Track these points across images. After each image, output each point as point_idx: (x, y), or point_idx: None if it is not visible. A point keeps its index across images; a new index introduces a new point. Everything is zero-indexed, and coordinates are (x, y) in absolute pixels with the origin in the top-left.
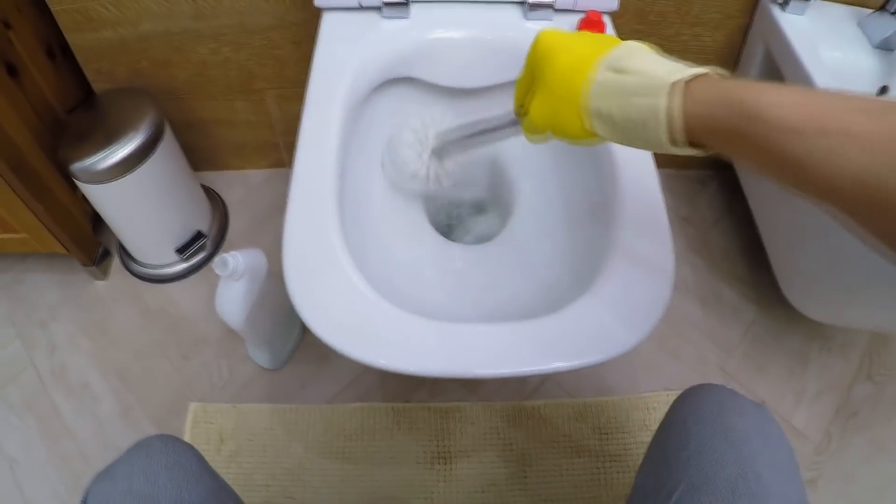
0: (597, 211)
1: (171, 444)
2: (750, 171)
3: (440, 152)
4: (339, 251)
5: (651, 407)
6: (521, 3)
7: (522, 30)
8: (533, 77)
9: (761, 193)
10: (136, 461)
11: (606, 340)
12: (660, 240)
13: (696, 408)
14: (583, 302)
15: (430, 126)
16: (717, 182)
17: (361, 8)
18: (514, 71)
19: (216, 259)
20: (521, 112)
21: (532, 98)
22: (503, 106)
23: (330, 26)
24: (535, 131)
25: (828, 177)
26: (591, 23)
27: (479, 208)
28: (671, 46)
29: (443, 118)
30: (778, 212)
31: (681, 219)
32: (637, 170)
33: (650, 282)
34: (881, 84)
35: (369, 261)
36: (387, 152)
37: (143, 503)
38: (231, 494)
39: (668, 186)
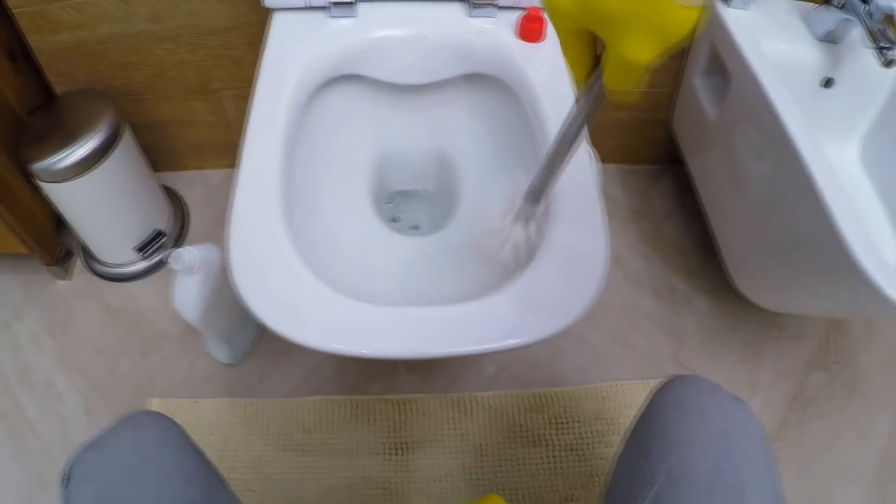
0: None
1: (159, 419)
2: None
3: (535, 195)
4: (284, 243)
5: (604, 397)
6: (465, 0)
7: (466, 26)
8: (585, 24)
9: (711, 187)
10: (124, 434)
11: (549, 316)
12: (592, 224)
13: (676, 399)
14: (523, 281)
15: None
16: (669, 176)
17: (310, 8)
18: (458, 66)
19: (171, 253)
20: (601, 66)
21: (611, 28)
22: (450, 101)
23: (279, 26)
24: (638, 58)
25: None
26: (532, 19)
27: (426, 200)
28: None
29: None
30: (726, 204)
31: (633, 212)
32: (575, 165)
33: (586, 262)
34: (825, 76)
35: (318, 253)
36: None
37: (132, 475)
38: (215, 471)
39: (620, 181)
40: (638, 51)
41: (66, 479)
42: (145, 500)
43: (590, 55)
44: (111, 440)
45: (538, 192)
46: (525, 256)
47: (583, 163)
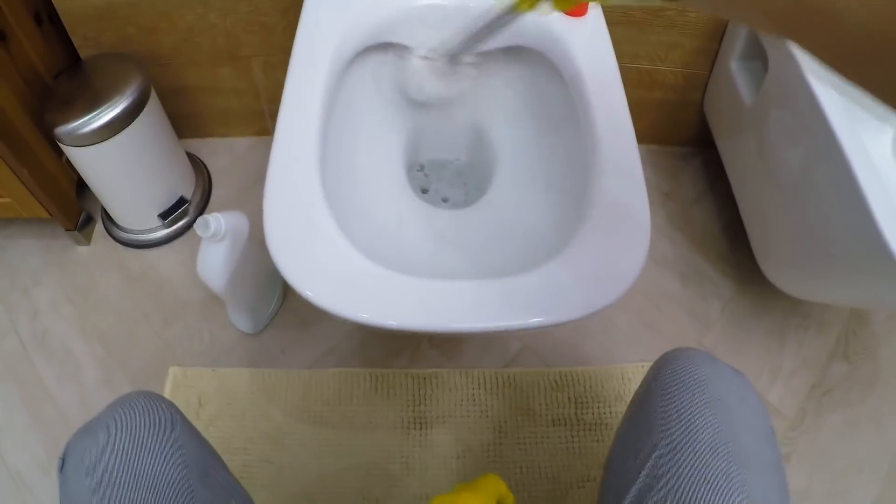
0: (576, 175)
1: (155, 401)
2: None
3: (454, 57)
4: (320, 210)
5: (627, 378)
6: None
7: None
8: None
9: (742, 171)
10: (119, 417)
11: (582, 298)
12: (636, 200)
13: (676, 370)
14: (559, 261)
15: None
16: (700, 159)
17: None
18: (499, 38)
19: (198, 220)
20: None
21: None
22: (489, 74)
23: None
24: None
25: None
26: None
27: (458, 171)
28: (657, 21)
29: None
30: (757, 188)
31: (663, 194)
32: (618, 139)
33: (628, 241)
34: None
35: (351, 222)
36: (404, 69)
37: (126, 458)
38: (213, 453)
39: (650, 162)
40: None
41: (62, 463)
42: (141, 484)
43: None
44: (106, 423)
45: (455, 56)
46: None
47: (629, 137)
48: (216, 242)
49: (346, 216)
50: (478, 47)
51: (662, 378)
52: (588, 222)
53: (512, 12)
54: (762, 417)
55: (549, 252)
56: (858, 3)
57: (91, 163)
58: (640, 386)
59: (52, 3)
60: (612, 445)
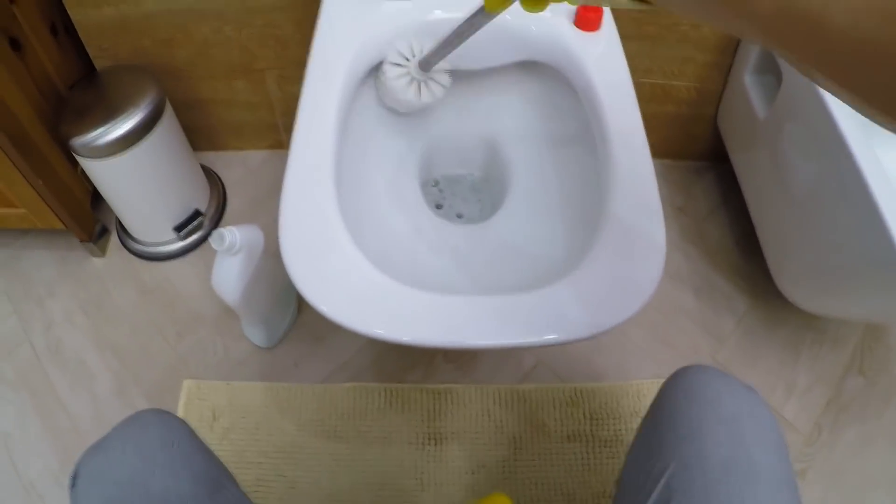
0: (590, 191)
1: (165, 419)
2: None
3: (426, 64)
4: (336, 224)
5: (642, 394)
6: None
7: (523, 13)
8: None
9: (756, 185)
10: (129, 435)
11: (595, 316)
12: (651, 219)
13: (687, 388)
14: (573, 278)
15: (416, 49)
16: (713, 173)
17: None
18: (513, 53)
19: (213, 233)
20: None
21: None
22: (503, 89)
23: (331, 6)
24: None
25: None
26: (589, 7)
27: (472, 186)
28: (671, 35)
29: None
30: (772, 203)
31: (676, 209)
32: (632, 156)
33: (642, 260)
34: None
35: (366, 236)
36: (378, 77)
37: (136, 476)
38: (223, 470)
39: (663, 176)
40: None
41: (73, 482)
42: (151, 501)
43: None
44: (116, 441)
45: (429, 63)
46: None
47: (644, 152)
48: (231, 256)
49: (362, 230)
50: (449, 53)
51: (674, 395)
52: (602, 240)
53: (482, 14)
54: (775, 433)
55: (563, 269)
56: (845, 8)
57: (106, 175)
58: (653, 403)
59: (67, 14)
60: (625, 462)
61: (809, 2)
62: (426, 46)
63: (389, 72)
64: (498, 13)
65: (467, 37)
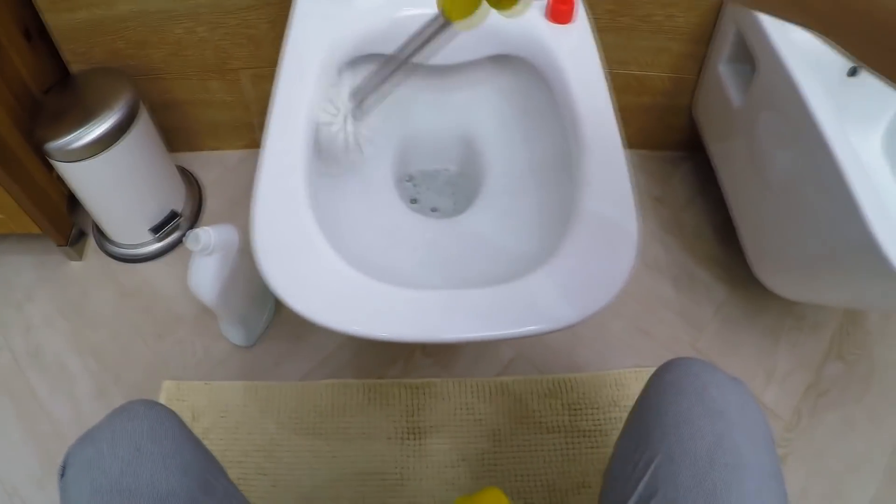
0: (563, 182)
1: (155, 409)
2: None
3: (357, 110)
4: (309, 223)
5: (622, 384)
6: None
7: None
8: None
9: (733, 174)
10: (119, 425)
11: (572, 305)
12: (624, 209)
13: (674, 380)
14: (548, 269)
15: (342, 92)
16: (690, 163)
17: None
18: (486, 48)
19: (188, 234)
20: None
21: None
22: (477, 82)
23: (303, 4)
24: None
25: None
26: (561, 0)
27: (447, 181)
28: (645, 26)
29: (352, 79)
30: (748, 191)
31: (653, 199)
32: (605, 146)
33: (615, 249)
34: (851, 65)
35: (340, 233)
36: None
37: (127, 467)
38: (213, 461)
39: (641, 167)
40: None
41: (62, 471)
42: (141, 492)
43: None
44: (106, 432)
45: (362, 95)
46: (352, 146)
47: (616, 143)
48: (207, 256)
49: (336, 228)
50: (383, 89)
51: (661, 387)
52: (576, 230)
53: (438, 26)
54: (761, 425)
55: (538, 260)
56: None
57: (82, 178)
58: (640, 395)
59: (40, 18)
60: (612, 455)
61: None
62: (348, 76)
63: (323, 135)
64: (460, 24)
65: (415, 54)
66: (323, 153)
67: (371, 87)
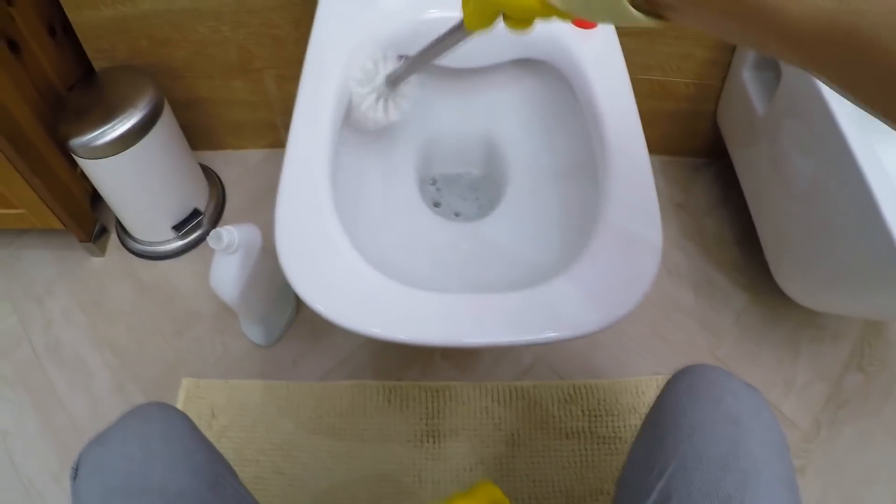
0: (587, 188)
1: (167, 412)
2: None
3: (393, 80)
4: (332, 223)
5: (641, 391)
6: None
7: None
8: None
9: (755, 181)
10: (131, 427)
11: (593, 313)
12: (648, 217)
13: (689, 387)
14: (569, 275)
15: (381, 64)
16: (713, 169)
17: None
18: (510, 51)
19: (211, 233)
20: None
21: None
22: (500, 86)
23: (328, 5)
24: (485, 14)
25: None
26: None
27: (470, 185)
28: (669, 32)
29: (393, 57)
30: (771, 199)
31: (675, 205)
32: (630, 153)
33: (638, 257)
34: None
35: (362, 235)
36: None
37: (138, 468)
38: (224, 464)
39: (663, 172)
40: None
41: (75, 473)
42: (151, 493)
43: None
44: (118, 433)
45: (397, 80)
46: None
47: (640, 149)
48: (229, 255)
49: (358, 229)
50: (420, 70)
51: (676, 393)
52: (599, 237)
53: (461, 31)
54: (776, 433)
55: (560, 266)
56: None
57: (105, 175)
58: (655, 401)
59: (65, 15)
60: (626, 461)
61: (856, 24)
62: (390, 58)
63: (354, 91)
64: (478, 33)
65: (441, 54)
66: (354, 112)
67: (406, 73)
